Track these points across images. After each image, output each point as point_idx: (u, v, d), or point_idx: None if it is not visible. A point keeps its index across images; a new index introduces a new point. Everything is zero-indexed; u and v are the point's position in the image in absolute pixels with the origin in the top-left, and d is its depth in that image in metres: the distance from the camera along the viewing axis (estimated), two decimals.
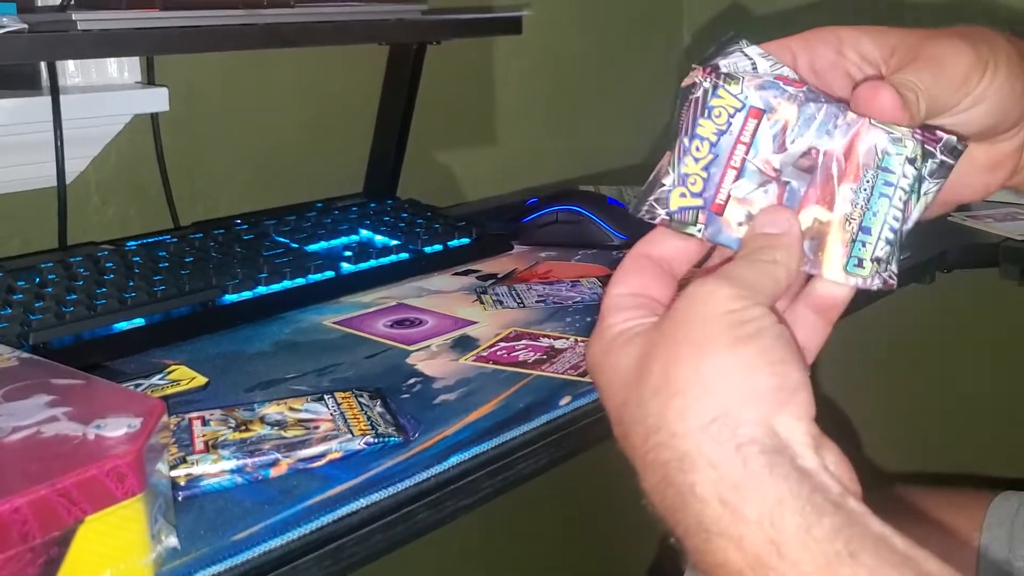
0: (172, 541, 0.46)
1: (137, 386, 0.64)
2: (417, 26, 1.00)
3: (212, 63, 1.02)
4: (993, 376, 1.43)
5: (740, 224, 0.41)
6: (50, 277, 0.77)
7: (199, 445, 0.54)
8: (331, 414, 0.58)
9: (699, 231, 0.41)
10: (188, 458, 0.52)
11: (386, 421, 0.58)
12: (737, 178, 0.40)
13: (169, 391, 0.64)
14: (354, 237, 0.95)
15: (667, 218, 0.41)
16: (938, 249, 1.01)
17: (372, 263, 0.88)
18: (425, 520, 0.53)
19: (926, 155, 0.40)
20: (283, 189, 1.10)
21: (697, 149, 0.40)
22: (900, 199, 0.40)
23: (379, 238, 0.95)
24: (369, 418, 0.58)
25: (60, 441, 0.43)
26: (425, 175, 1.24)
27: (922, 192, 0.41)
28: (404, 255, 0.91)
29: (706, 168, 0.40)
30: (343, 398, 0.61)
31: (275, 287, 0.81)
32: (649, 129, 1.47)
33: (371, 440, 0.55)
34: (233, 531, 0.48)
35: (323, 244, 0.92)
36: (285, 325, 0.77)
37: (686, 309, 0.38)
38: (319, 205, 1.03)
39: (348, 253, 0.89)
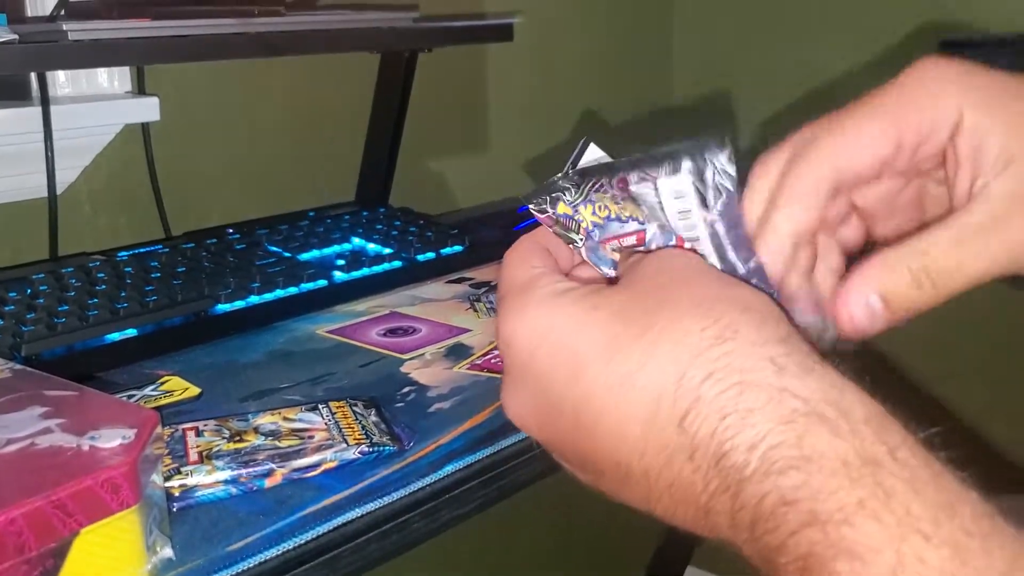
0: (167, 552, 0.45)
1: (130, 397, 0.64)
2: (409, 34, 1.00)
3: (203, 72, 1.02)
4: (986, 379, 1.43)
5: (615, 250, 0.40)
6: (41, 288, 0.76)
7: (193, 456, 0.54)
8: (325, 424, 0.58)
9: (580, 241, 0.40)
10: (182, 469, 0.52)
11: (380, 430, 0.58)
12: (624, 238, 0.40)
13: (162, 402, 0.63)
14: (347, 246, 0.95)
15: (553, 217, 0.40)
16: None
17: (365, 271, 0.88)
18: (420, 529, 0.52)
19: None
20: (275, 198, 1.10)
21: (599, 208, 0.40)
22: None
23: (372, 246, 0.95)
24: (363, 427, 0.58)
25: (54, 453, 0.43)
26: (418, 183, 1.24)
27: None
28: (397, 263, 0.91)
29: (606, 219, 0.40)
30: (337, 407, 0.60)
31: (268, 296, 0.81)
32: (641, 136, 1.47)
33: (366, 449, 0.55)
34: (228, 542, 0.48)
35: (316, 253, 0.92)
36: (278, 334, 0.77)
37: (673, 266, 0.36)
38: (311, 214, 1.03)
39: (341, 262, 0.88)
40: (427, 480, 0.54)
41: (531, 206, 0.41)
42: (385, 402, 0.63)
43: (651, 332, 0.34)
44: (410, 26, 0.99)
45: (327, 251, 0.93)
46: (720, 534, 0.33)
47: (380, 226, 0.99)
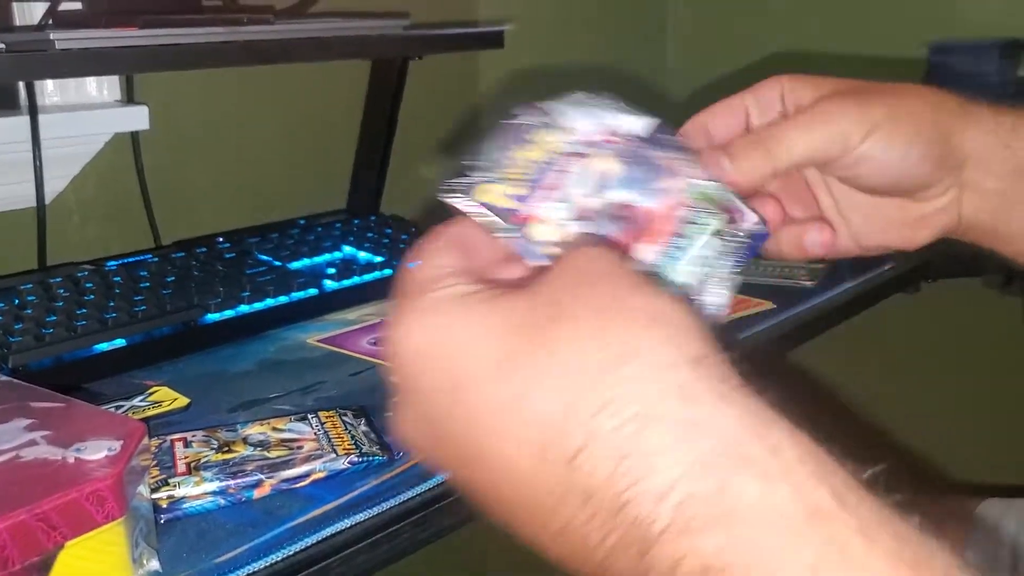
0: (154, 565, 0.45)
1: (118, 408, 0.63)
2: (399, 41, 1.00)
3: (192, 80, 1.01)
4: (977, 383, 1.44)
5: (542, 242, 0.39)
6: (29, 298, 0.76)
7: (181, 467, 0.53)
8: (315, 433, 0.58)
9: (505, 233, 0.38)
10: (170, 480, 0.52)
11: (370, 440, 0.58)
12: (551, 201, 0.39)
13: (151, 412, 0.63)
14: (337, 254, 0.95)
15: (479, 209, 0.38)
16: (922, 259, 1.02)
17: (356, 280, 0.87)
18: (410, 539, 0.52)
19: (730, 232, 0.42)
20: (265, 206, 1.09)
21: (522, 164, 0.40)
22: (700, 267, 0.40)
23: (363, 254, 0.94)
24: (353, 437, 0.57)
25: (39, 465, 0.42)
26: (409, 191, 1.24)
27: (726, 263, 0.41)
28: (388, 271, 0.90)
29: (529, 182, 0.39)
30: (327, 417, 0.60)
31: (258, 305, 0.80)
32: None
33: (355, 459, 0.55)
34: (216, 553, 0.47)
35: (306, 261, 0.92)
36: (268, 344, 0.77)
37: (590, 267, 0.32)
38: (302, 222, 1.03)
39: (331, 270, 0.88)
40: (417, 490, 0.54)
41: (450, 198, 0.38)
42: (375, 411, 0.63)
43: (543, 350, 0.29)
44: (400, 34, 0.99)
45: (318, 259, 0.93)
46: None
47: (371, 234, 0.99)
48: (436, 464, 0.33)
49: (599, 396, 0.28)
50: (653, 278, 0.34)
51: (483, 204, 0.38)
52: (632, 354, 0.28)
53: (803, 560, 0.24)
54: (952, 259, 1.05)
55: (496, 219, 0.38)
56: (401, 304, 0.33)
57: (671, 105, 1.66)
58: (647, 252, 0.40)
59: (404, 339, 0.32)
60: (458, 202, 0.38)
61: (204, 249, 0.91)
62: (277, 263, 0.90)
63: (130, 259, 0.88)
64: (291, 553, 0.48)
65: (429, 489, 0.54)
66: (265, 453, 0.55)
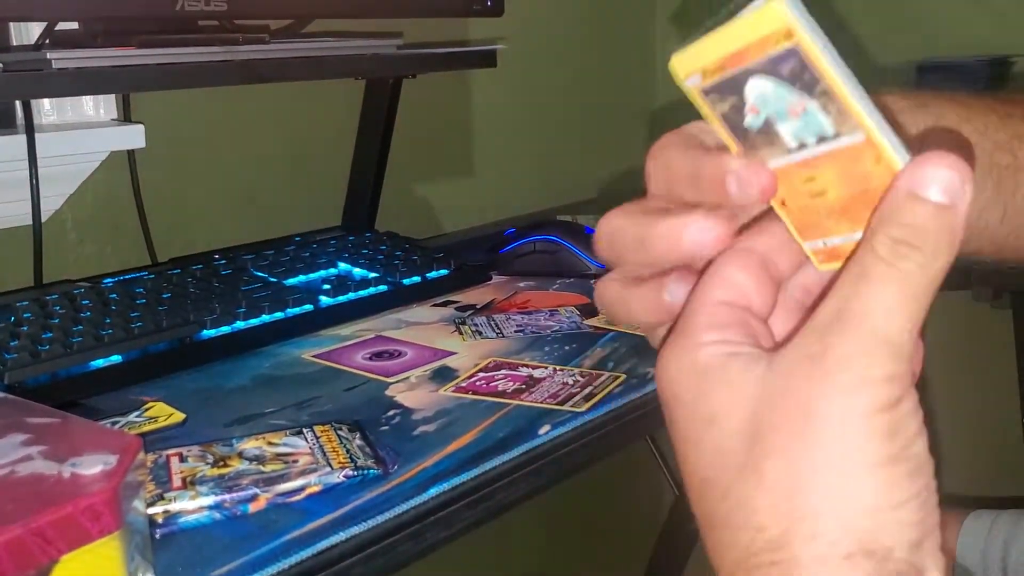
0: None
1: (114, 423, 0.64)
2: (393, 60, 1.01)
3: (189, 99, 1.02)
4: (965, 396, 1.44)
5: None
6: (25, 315, 0.76)
7: (177, 482, 0.54)
8: (310, 448, 0.58)
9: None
10: (166, 495, 0.52)
11: (365, 454, 0.58)
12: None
13: (147, 428, 0.63)
14: (333, 270, 0.95)
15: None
16: None
17: (351, 296, 0.88)
18: (405, 552, 0.52)
19: None
20: (261, 223, 1.10)
21: None
22: None
23: (358, 271, 0.95)
24: (348, 451, 0.58)
25: (35, 480, 0.42)
26: (403, 207, 1.24)
27: None
28: (383, 287, 0.91)
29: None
30: (322, 431, 0.60)
31: (253, 321, 0.81)
32: (625, 159, 1.48)
33: (350, 473, 0.55)
34: (212, 567, 0.48)
35: (302, 278, 0.92)
36: (264, 359, 0.77)
37: (820, 398, 0.29)
38: (297, 239, 1.03)
39: (327, 286, 0.89)
40: (412, 503, 0.54)
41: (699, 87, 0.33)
42: (370, 425, 0.63)
43: (723, 505, 0.31)
44: (394, 53, 1.00)
45: (313, 276, 0.93)
46: None
47: (366, 250, 0.99)
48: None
49: (749, 573, 0.30)
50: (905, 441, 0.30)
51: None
52: (786, 543, 0.29)
53: None
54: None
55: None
56: (679, 330, 0.33)
57: (661, 128, 1.67)
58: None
59: (666, 372, 0.33)
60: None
61: (200, 266, 0.92)
62: (273, 279, 0.90)
63: (126, 276, 0.89)
64: (286, 567, 0.48)
65: (423, 502, 0.55)
66: (260, 467, 0.55)
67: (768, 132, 0.32)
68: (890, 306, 0.29)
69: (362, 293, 0.89)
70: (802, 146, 0.32)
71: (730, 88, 0.32)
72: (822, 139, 0.32)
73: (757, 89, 0.32)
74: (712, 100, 0.33)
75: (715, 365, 0.31)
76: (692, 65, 0.33)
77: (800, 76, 0.31)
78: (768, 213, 0.34)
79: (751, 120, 0.32)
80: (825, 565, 0.28)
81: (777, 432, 0.29)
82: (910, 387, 0.29)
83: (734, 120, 0.32)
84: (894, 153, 0.30)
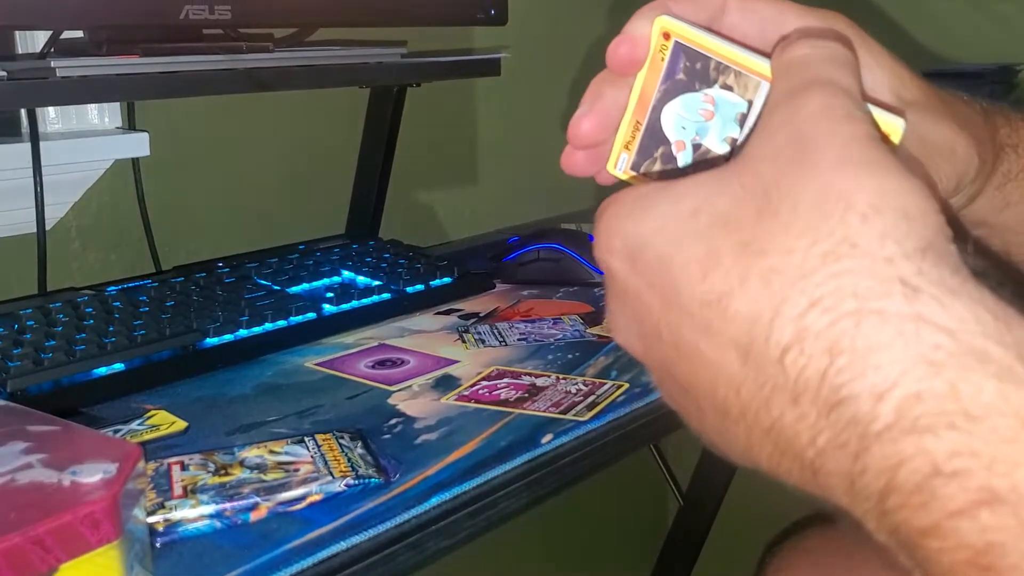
0: None
1: (116, 432, 0.63)
2: (397, 69, 1.01)
3: (193, 107, 1.03)
4: None
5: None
6: (29, 323, 0.76)
7: (178, 490, 0.54)
8: (311, 456, 0.58)
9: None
10: (166, 503, 0.52)
11: (367, 462, 0.58)
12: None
13: (148, 436, 0.63)
14: (336, 278, 0.95)
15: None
16: None
17: (354, 304, 0.88)
18: (406, 562, 0.52)
19: None
20: (265, 231, 1.10)
21: None
22: None
23: (361, 279, 0.95)
24: (350, 460, 0.58)
25: (35, 488, 0.42)
26: (407, 215, 1.25)
27: None
28: (386, 295, 0.91)
29: None
30: (324, 440, 0.60)
31: (256, 329, 0.81)
32: None
33: (351, 482, 0.55)
34: None
35: (305, 286, 0.92)
36: (267, 367, 0.77)
37: (819, 124, 0.29)
38: (301, 247, 1.04)
39: (330, 294, 0.89)
40: (413, 512, 0.54)
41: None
42: (372, 434, 0.63)
43: (751, 247, 0.28)
44: (398, 61, 1.00)
45: (316, 284, 0.93)
46: (834, 499, 0.26)
47: (370, 258, 0.99)
48: (651, 368, 0.33)
49: (811, 292, 0.26)
50: (883, 134, 0.30)
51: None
52: (847, 249, 0.26)
53: None
54: None
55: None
56: (603, 211, 0.33)
57: None
58: None
59: (609, 245, 0.32)
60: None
61: (203, 274, 0.92)
62: (276, 287, 0.90)
63: (130, 284, 0.89)
64: None
65: (425, 512, 0.54)
66: (261, 476, 0.55)
67: (702, 155, 0.34)
68: (821, 67, 0.31)
69: (365, 301, 0.89)
70: (733, 141, 0.34)
71: (651, 142, 0.34)
72: (743, 118, 0.34)
73: (670, 119, 0.34)
74: (646, 168, 0.35)
75: (664, 185, 0.31)
76: (616, 152, 0.36)
77: (694, 68, 0.34)
78: None
79: (683, 158, 0.34)
80: (908, 260, 0.26)
81: (782, 171, 0.28)
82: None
83: (672, 172, 0.34)
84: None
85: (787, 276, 0.27)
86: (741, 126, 0.34)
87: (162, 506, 0.52)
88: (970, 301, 0.25)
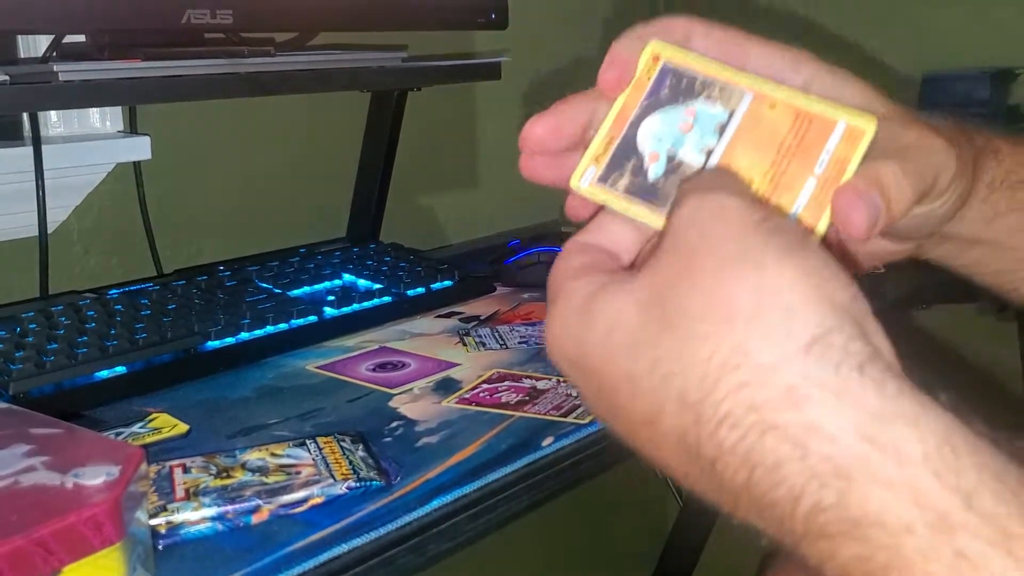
0: None
1: (118, 434, 0.64)
2: (398, 73, 1.01)
3: (194, 111, 1.03)
4: (971, 409, 1.43)
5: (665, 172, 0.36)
6: (31, 326, 0.77)
7: (180, 493, 0.54)
8: (313, 459, 0.58)
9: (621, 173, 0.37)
10: (169, 506, 0.52)
11: (368, 465, 0.58)
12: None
13: (150, 439, 0.63)
14: (337, 281, 0.95)
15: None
16: (916, 285, 1.02)
17: (355, 307, 0.88)
18: (407, 564, 0.52)
19: None
20: (266, 235, 1.10)
21: None
22: None
23: (362, 282, 0.95)
24: (351, 462, 0.58)
25: (38, 491, 0.43)
26: (407, 219, 1.25)
27: None
28: (387, 298, 0.91)
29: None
30: (325, 443, 0.60)
31: (258, 333, 0.81)
32: None
33: (353, 484, 0.55)
34: None
35: (306, 289, 0.92)
36: (268, 371, 0.77)
37: (700, 229, 0.31)
38: (302, 250, 1.04)
39: (331, 297, 0.89)
40: (414, 515, 0.54)
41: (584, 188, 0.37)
42: (373, 437, 0.63)
43: (661, 366, 0.30)
44: (399, 65, 1.00)
45: (317, 287, 0.93)
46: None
47: (370, 262, 1.00)
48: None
49: (717, 410, 0.29)
50: (782, 221, 0.31)
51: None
52: (741, 357, 0.28)
53: None
54: (947, 285, 1.05)
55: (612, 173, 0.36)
56: (549, 311, 0.35)
57: None
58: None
59: (552, 346, 0.35)
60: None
61: (205, 277, 0.92)
62: (277, 291, 0.90)
63: (132, 287, 0.89)
64: None
65: (426, 514, 0.54)
66: (263, 479, 0.55)
67: (674, 168, 0.35)
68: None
69: (366, 304, 0.89)
70: (709, 152, 0.35)
71: (623, 155, 0.35)
72: (722, 128, 0.35)
73: (647, 132, 0.35)
74: (613, 181, 0.35)
75: (594, 291, 0.33)
76: (584, 165, 0.36)
77: (679, 86, 0.35)
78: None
79: (655, 169, 0.35)
80: (792, 363, 0.28)
81: (678, 279, 0.31)
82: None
83: (640, 184, 0.35)
84: (777, 89, 0.35)
85: (695, 394, 0.29)
86: (720, 135, 0.35)
87: (164, 508, 0.52)
88: (852, 402, 0.27)
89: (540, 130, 0.39)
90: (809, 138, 0.35)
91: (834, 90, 0.38)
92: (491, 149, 1.38)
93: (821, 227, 0.34)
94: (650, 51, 0.37)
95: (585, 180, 0.36)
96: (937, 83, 1.26)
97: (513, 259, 1.03)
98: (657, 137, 0.35)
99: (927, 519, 0.25)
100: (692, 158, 0.35)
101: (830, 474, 0.27)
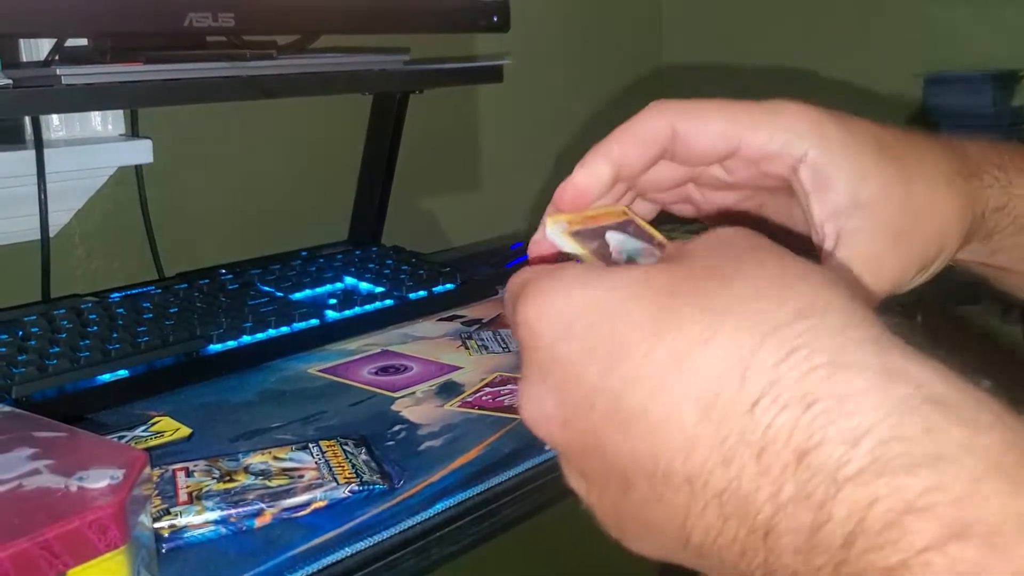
0: None
1: (121, 438, 0.64)
2: (400, 76, 1.01)
3: (196, 114, 1.03)
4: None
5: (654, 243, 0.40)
6: (33, 330, 0.77)
7: (183, 496, 0.54)
8: (316, 462, 0.58)
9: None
10: (172, 509, 0.52)
11: (371, 469, 0.58)
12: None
13: (153, 443, 0.63)
14: (339, 285, 0.95)
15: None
16: (920, 288, 1.02)
17: (357, 310, 0.88)
18: (410, 568, 0.52)
19: None
20: (268, 238, 1.10)
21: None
22: None
23: (364, 285, 0.95)
24: (354, 466, 0.58)
25: (42, 494, 0.43)
26: (409, 222, 1.25)
27: None
28: (389, 302, 0.91)
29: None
30: (328, 446, 0.60)
31: (260, 336, 0.81)
32: None
33: (356, 488, 0.55)
34: None
35: (308, 292, 0.92)
36: (270, 374, 0.77)
37: (723, 245, 0.31)
38: (304, 253, 1.04)
39: (333, 301, 0.89)
40: (417, 518, 0.54)
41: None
42: (376, 440, 0.63)
43: (715, 305, 0.28)
44: (401, 68, 1.00)
45: (319, 290, 0.93)
46: (775, 563, 0.25)
47: (372, 265, 1.00)
48: (565, 445, 0.31)
49: (784, 345, 0.26)
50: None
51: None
52: (819, 308, 0.27)
53: (1020, 509, 0.22)
54: (951, 287, 1.05)
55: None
56: (531, 286, 0.31)
57: None
58: None
59: (540, 315, 0.30)
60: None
61: (207, 281, 0.92)
62: (279, 294, 0.90)
63: (133, 291, 0.89)
64: None
65: (429, 518, 0.54)
66: (266, 482, 0.55)
67: (632, 262, 0.39)
68: None
69: (368, 308, 0.89)
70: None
71: (592, 236, 0.39)
72: None
73: (614, 239, 0.39)
74: (580, 239, 0.39)
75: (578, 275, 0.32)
76: (561, 219, 0.40)
77: (641, 234, 0.40)
78: None
79: (616, 257, 0.38)
80: (855, 299, 0.28)
81: (733, 259, 0.30)
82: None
83: (603, 253, 0.38)
84: None
85: (760, 329, 0.27)
86: None
87: (167, 512, 0.52)
88: (936, 363, 0.26)
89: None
90: None
91: (822, 174, 0.38)
92: (493, 152, 1.38)
93: None
94: (622, 210, 0.41)
95: (560, 225, 0.39)
96: (940, 85, 1.26)
97: (516, 262, 1.03)
98: (620, 244, 0.39)
99: (1017, 459, 0.24)
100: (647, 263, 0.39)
101: (914, 409, 0.25)
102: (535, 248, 0.40)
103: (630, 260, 0.38)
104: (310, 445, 0.61)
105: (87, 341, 0.75)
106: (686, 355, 0.27)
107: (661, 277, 0.29)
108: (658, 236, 0.41)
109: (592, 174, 0.40)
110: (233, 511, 0.52)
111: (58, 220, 0.94)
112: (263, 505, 0.53)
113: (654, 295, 0.29)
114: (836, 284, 0.28)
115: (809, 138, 0.38)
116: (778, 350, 0.26)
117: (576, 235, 0.39)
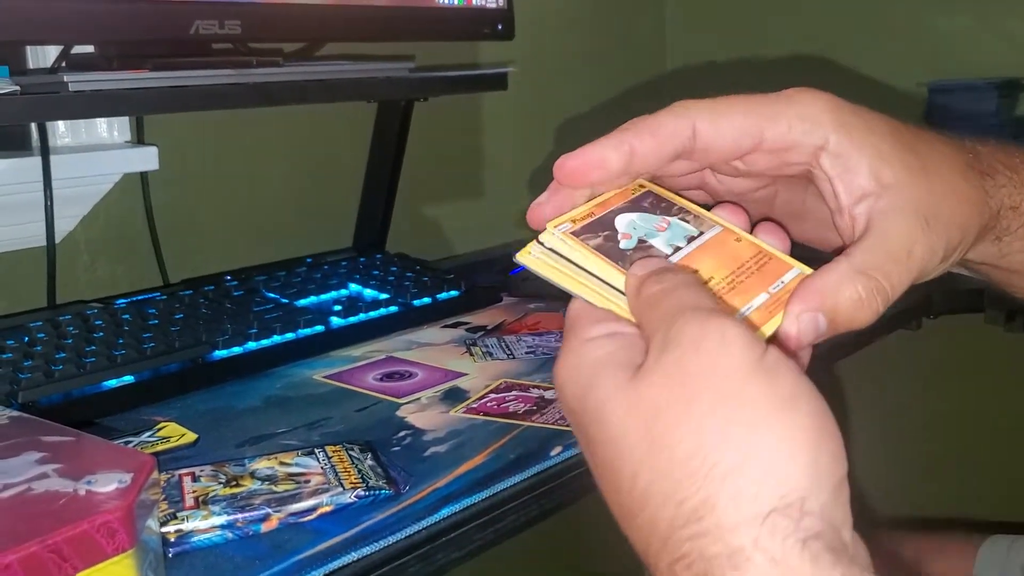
0: None
1: (127, 443, 0.64)
2: (405, 83, 1.02)
3: (202, 121, 1.03)
4: (979, 420, 1.43)
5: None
6: (39, 336, 0.77)
7: (189, 501, 0.54)
8: (322, 468, 0.58)
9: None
10: (178, 514, 0.52)
11: (377, 474, 0.58)
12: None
13: (159, 448, 0.63)
14: (344, 291, 0.96)
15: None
16: (924, 294, 1.02)
17: (362, 317, 0.88)
18: (416, 573, 0.52)
19: None
20: (273, 245, 1.11)
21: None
22: None
23: (368, 292, 0.95)
24: (360, 471, 0.58)
25: (51, 498, 0.43)
26: (414, 229, 1.25)
27: None
28: (393, 308, 0.91)
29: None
30: (333, 452, 0.61)
31: (265, 342, 0.81)
32: None
33: (362, 493, 0.55)
34: None
35: (313, 299, 0.93)
36: (275, 380, 0.77)
37: (701, 357, 0.32)
38: (309, 260, 1.04)
39: (338, 307, 0.89)
40: (423, 523, 0.54)
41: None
42: (381, 446, 0.63)
43: (639, 480, 0.32)
44: (406, 76, 1.01)
45: (324, 297, 0.94)
46: None
47: (377, 272, 1.00)
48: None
49: (672, 552, 0.31)
50: (780, 359, 0.33)
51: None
52: (707, 511, 0.31)
53: None
54: (954, 295, 1.05)
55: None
56: (564, 341, 0.37)
57: None
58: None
59: (562, 381, 0.37)
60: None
61: (212, 287, 0.92)
62: (284, 300, 0.91)
63: (139, 297, 0.89)
64: None
65: (435, 523, 0.54)
66: (272, 487, 0.56)
67: (643, 247, 0.39)
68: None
69: (373, 314, 0.89)
70: (676, 249, 0.39)
71: (599, 226, 0.39)
72: (691, 239, 0.40)
73: (625, 220, 0.40)
74: (585, 238, 0.39)
75: (601, 358, 0.35)
76: (562, 220, 0.40)
77: (659, 204, 0.41)
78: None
79: (625, 243, 0.39)
80: (749, 527, 0.30)
81: (673, 404, 0.32)
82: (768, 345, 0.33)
83: (609, 247, 0.38)
84: (744, 232, 0.41)
85: (660, 530, 0.32)
86: (688, 244, 0.40)
87: (174, 516, 0.52)
88: (786, 570, 0.29)
89: (550, 211, 0.41)
90: (768, 267, 0.39)
91: (842, 158, 0.39)
92: (497, 159, 1.38)
93: (767, 330, 0.37)
94: (637, 182, 0.42)
95: (561, 227, 0.39)
96: (944, 93, 1.26)
97: (520, 269, 1.03)
98: (632, 225, 0.40)
99: None
100: (661, 246, 0.39)
101: None
102: (535, 212, 0.41)
103: (641, 243, 0.39)
104: (316, 450, 0.61)
105: (93, 347, 0.75)
106: (624, 519, 0.34)
107: (615, 426, 0.34)
108: (680, 202, 0.41)
109: (598, 155, 0.39)
110: (239, 516, 0.53)
111: (64, 226, 0.94)
112: (269, 510, 0.53)
113: (606, 448, 0.34)
114: (733, 471, 0.31)
115: (828, 124, 0.39)
116: (668, 556, 0.31)
117: (579, 233, 0.39)
